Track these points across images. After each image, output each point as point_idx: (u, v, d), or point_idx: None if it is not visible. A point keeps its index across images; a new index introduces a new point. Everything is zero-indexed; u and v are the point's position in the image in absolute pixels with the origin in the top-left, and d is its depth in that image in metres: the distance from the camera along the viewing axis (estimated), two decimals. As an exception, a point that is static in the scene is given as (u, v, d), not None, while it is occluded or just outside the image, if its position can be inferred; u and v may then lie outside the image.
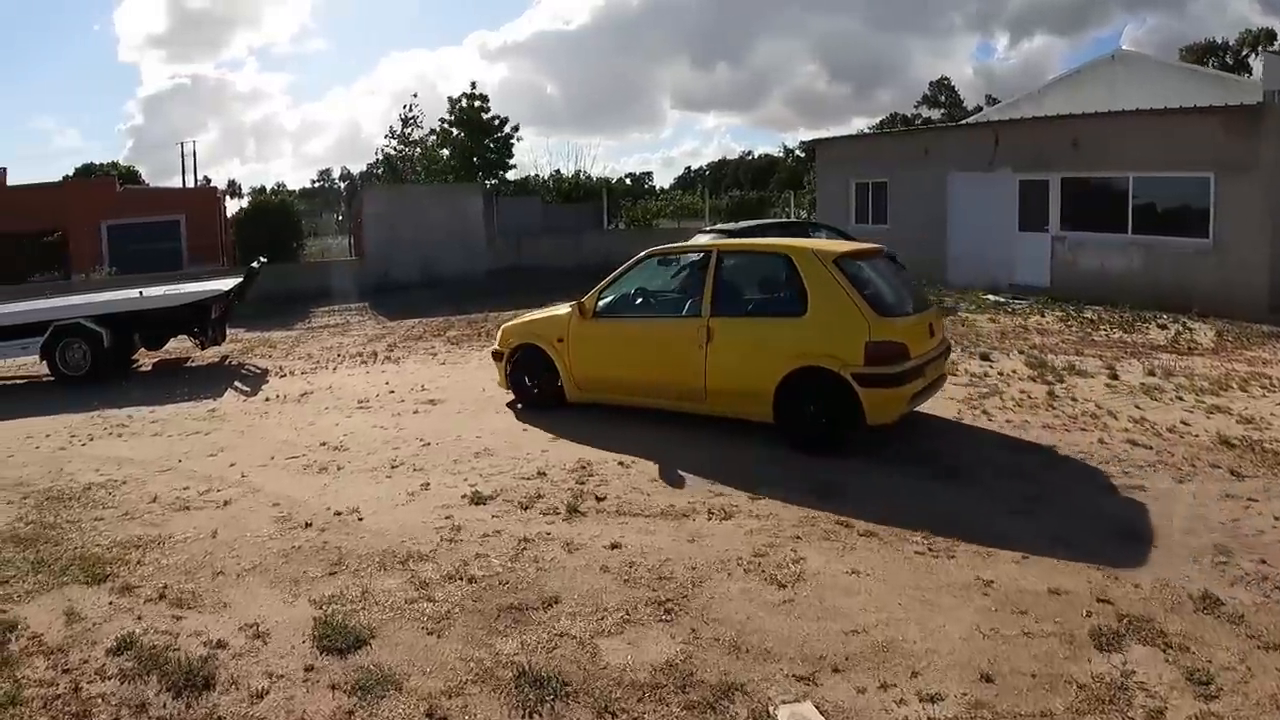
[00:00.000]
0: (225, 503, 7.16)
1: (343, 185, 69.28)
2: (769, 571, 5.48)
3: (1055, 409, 9.18)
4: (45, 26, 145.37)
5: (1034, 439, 8.18)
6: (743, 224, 19.12)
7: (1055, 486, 6.93)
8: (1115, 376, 10.58)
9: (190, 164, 52.50)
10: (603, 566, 5.61)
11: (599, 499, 6.88)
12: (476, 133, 43.09)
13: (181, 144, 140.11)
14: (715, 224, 23.21)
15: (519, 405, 9.85)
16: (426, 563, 5.75)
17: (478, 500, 6.90)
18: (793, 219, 26.76)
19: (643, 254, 9.49)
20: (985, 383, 10.41)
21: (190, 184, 46.76)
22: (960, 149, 21.95)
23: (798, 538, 6.01)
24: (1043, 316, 15.99)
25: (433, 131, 45.27)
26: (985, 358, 11.88)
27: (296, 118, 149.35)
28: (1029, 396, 9.68)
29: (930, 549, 5.77)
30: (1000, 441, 8.14)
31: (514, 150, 45.07)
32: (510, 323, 10.57)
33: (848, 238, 18.16)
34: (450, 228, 25.68)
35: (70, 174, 46.09)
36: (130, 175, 47.07)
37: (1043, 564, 5.52)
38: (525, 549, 5.92)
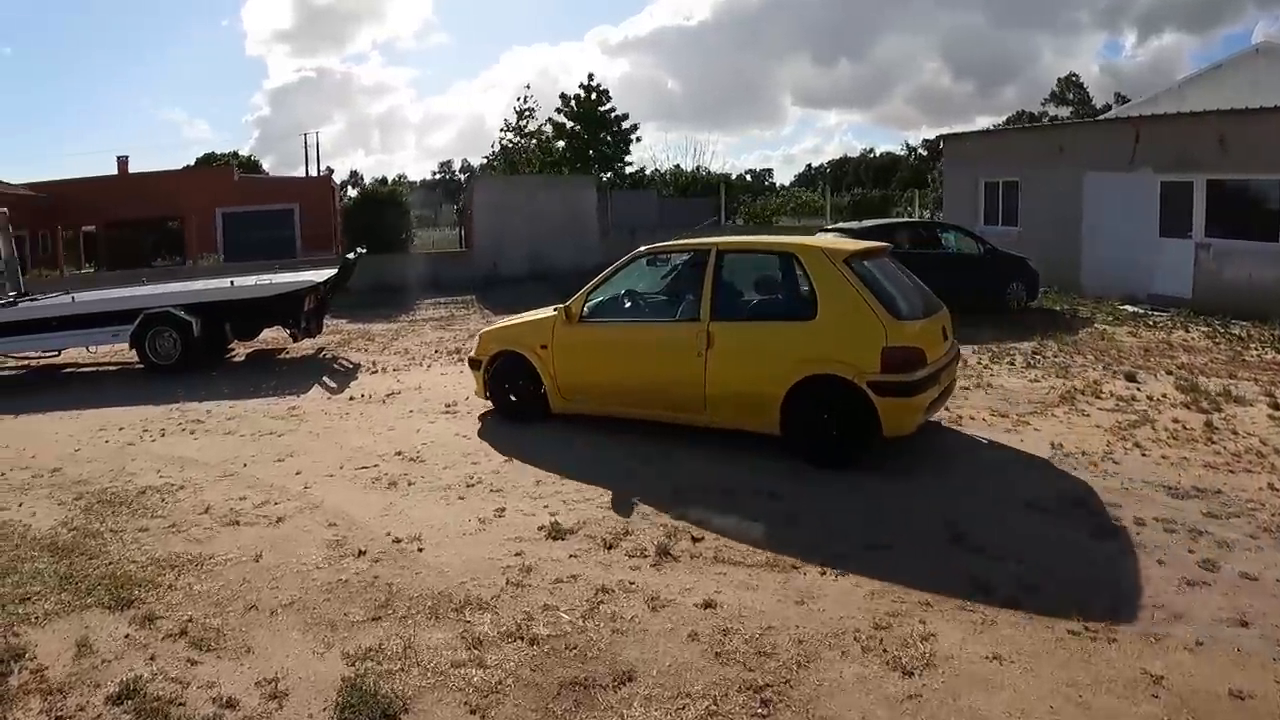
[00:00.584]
0: (279, 519, 6.46)
1: (463, 177, 69.86)
2: (892, 652, 4.44)
3: (1215, 443, 7.86)
4: (175, 21, 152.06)
5: (1196, 482, 6.84)
6: (866, 224, 17.93)
7: (1229, 547, 5.67)
8: (1277, 406, 9.16)
9: (314, 155, 53.39)
10: (691, 633, 4.64)
11: (695, 539, 5.93)
12: (593, 126, 42.69)
13: (305, 135, 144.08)
14: (836, 222, 21.96)
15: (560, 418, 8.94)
16: (485, 613, 4.89)
17: (556, 534, 6.03)
18: (918, 219, 25.31)
19: (634, 253, 8.72)
20: (1133, 408, 9.12)
21: (314, 174, 47.33)
22: (1097, 147, 20.17)
23: (927, 604, 4.94)
24: (1187, 331, 14.39)
25: (549, 120, 45.02)
26: (1131, 378, 10.54)
27: (420, 111, 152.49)
28: (1184, 427, 8.37)
29: (1087, 628, 4.64)
30: (1158, 483, 6.88)
31: (631, 145, 44.67)
32: (489, 328, 9.94)
33: (981, 242, 16.90)
34: (562, 220, 24.91)
35: (192, 163, 47.14)
36: (250, 165, 47.98)
37: (1221, 653, 4.35)
38: (602, 602, 5.00)
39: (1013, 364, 11.55)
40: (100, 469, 7.92)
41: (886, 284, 7.58)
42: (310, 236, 33.51)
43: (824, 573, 5.39)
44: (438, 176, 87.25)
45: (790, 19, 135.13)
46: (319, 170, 48.61)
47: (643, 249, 8.76)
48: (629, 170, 45.66)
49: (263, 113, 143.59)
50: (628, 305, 8.70)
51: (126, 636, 4.76)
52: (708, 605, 4.96)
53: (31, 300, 14.57)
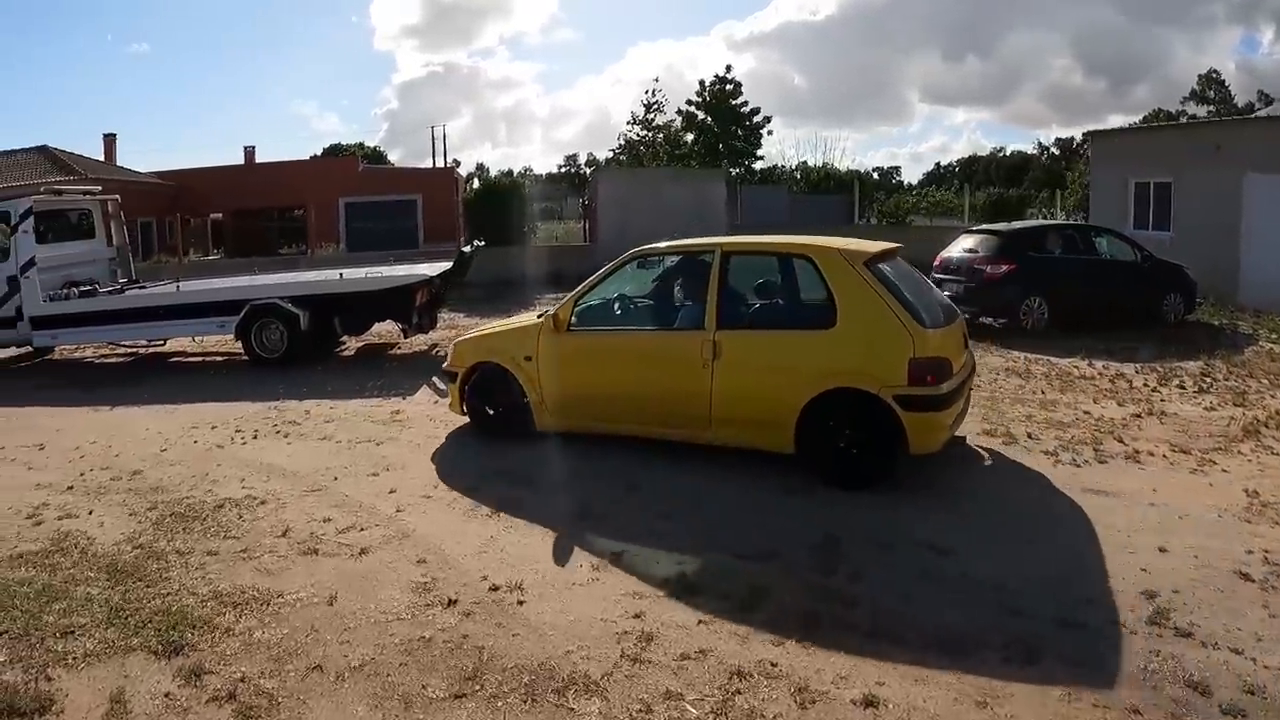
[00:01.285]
0: (362, 550, 5.63)
1: (587, 171, 69.68)
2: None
3: None
4: (305, 18, 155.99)
5: None
6: (1015, 226, 16.36)
7: None
8: None
9: (441, 147, 53.69)
10: (852, 750, 3.60)
11: (850, 603, 4.84)
12: (725, 119, 41.75)
13: (432, 128, 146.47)
14: (975, 224, 20.40)
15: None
16: (592, 698, 3.91)
17: (683, 588, 5.02)
18: (1067, 222, 23.41)
19: (628, 254, 7.97)
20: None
21: (440, 166, 47.40)
22: (1260, 146, 17.99)
23: (1136, 712, 3.80)
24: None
25: (679, 112, 44.15)
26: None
27: (546, 105, 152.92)
28: None
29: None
30: None
31: (762, 140, 43.62)
32: (464, 337, 8.93)
33: (1138, 248, 15.25)
34: (689, 214, 23.59)
35: (319, 154, 47.74)
36: (376, 156, 48.26)
37: None
38: (738, 692, 3.96)
39: (1182, 387, 10.03)
40: (182, 474, 7.32)
41: (907, 288, 6.93)
42: (432, 227, 33.23)
43: (1007, 659, 4.24)
44: (563, 170, 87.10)
45: (917, 14, 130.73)
46: (446, 162, 48.62)
47: (633, 251, 7.96)
48: (759, 165, 44.58)
49: (391, 106, 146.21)
50: (621, 312, 8.02)
51: (167, 695, 4.02)
52: (868, 704, 3.88)
53: (139, 288, 14.32)
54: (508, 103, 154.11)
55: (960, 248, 15.06)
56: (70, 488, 7.11)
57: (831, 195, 36.74)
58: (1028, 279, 13.94)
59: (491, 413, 8.14)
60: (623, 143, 47.58)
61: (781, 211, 32.02)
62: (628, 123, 46.64)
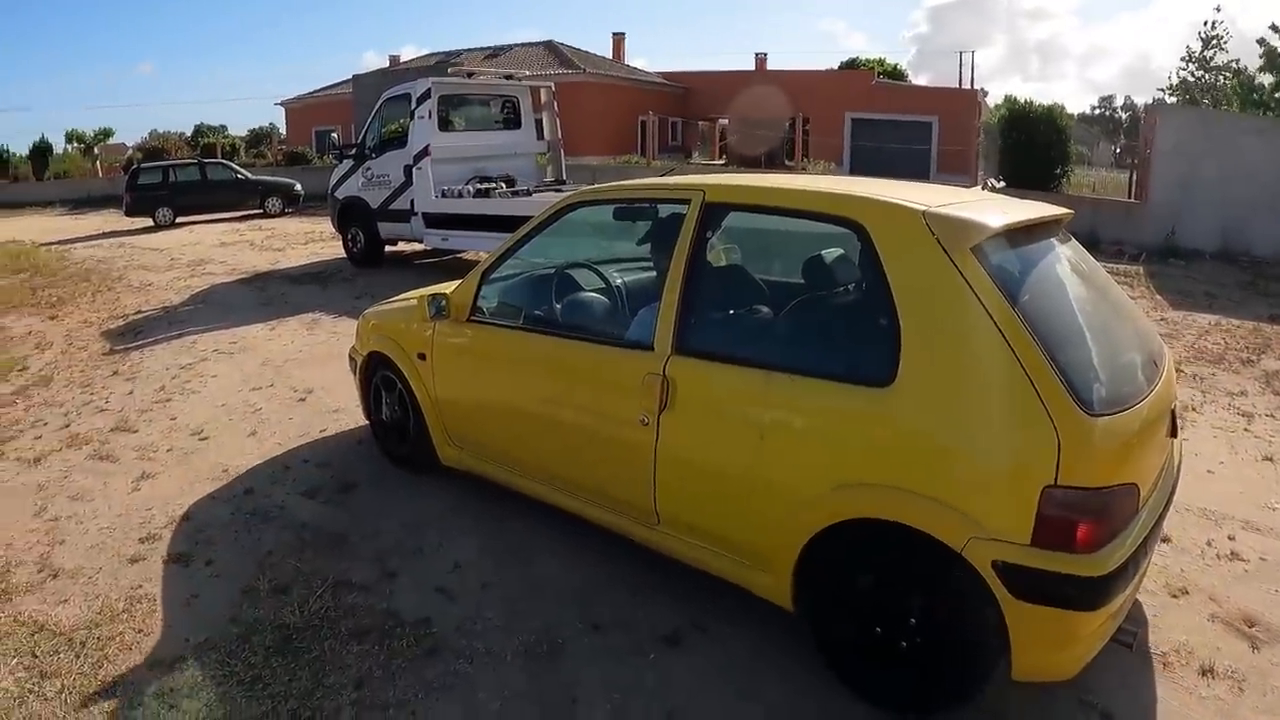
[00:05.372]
0: None
1: (1124, 116, 60.17)
2: None
3: None
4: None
5: None
6: None
7: None
8: None
9: (967, 75, 48.63)
10: None
11: None
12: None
13: (960, 54, 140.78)
14: None
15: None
16: None
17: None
18: None
19: (563, 198, 4.53)
20: None
21: (963, 88, 42.72)
22: None
23: None
24: None
25: (1261, 42, 35.49)
26: None
27: (1082, 40, 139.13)
28: None
29: None
30: None
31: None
32: (374, 307, 5.97)
33: None
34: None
35: (834, 68, 44.86)
36: (895, 74, 44.25)
37: None
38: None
39: None
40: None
41: (1065, 311, 3.31)
42: (947, 154, 29.51)
43: None
44: (1096, 112, 77.17)
45: None
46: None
47: (572, 194, 4.55)
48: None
49: (920, 30, 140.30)
50: (543, 299, 4.72)
51: None
52: None
53: (556, 191, 12.18)
54: (1042, 35, 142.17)
55: None
56: None
57: None
58: None
59: (385, 426, 5.53)
60: (1173, 83, 39.46)
61: None
62: (1182, 60, 38.42)
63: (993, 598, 2.83)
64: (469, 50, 37.90)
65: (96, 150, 41.88)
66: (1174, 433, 3.59)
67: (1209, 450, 5.77)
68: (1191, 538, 4.54)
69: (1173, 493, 3.53)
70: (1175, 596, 3.98)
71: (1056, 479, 2.71)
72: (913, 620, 3.08)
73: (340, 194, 13.72)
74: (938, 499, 2.90)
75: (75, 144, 42.61)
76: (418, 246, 13.32)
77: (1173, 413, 3.52)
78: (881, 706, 3.21)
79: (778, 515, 3.31)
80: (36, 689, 3.35)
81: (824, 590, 3.31)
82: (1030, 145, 19.76)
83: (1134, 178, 21.10)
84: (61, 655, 3.57)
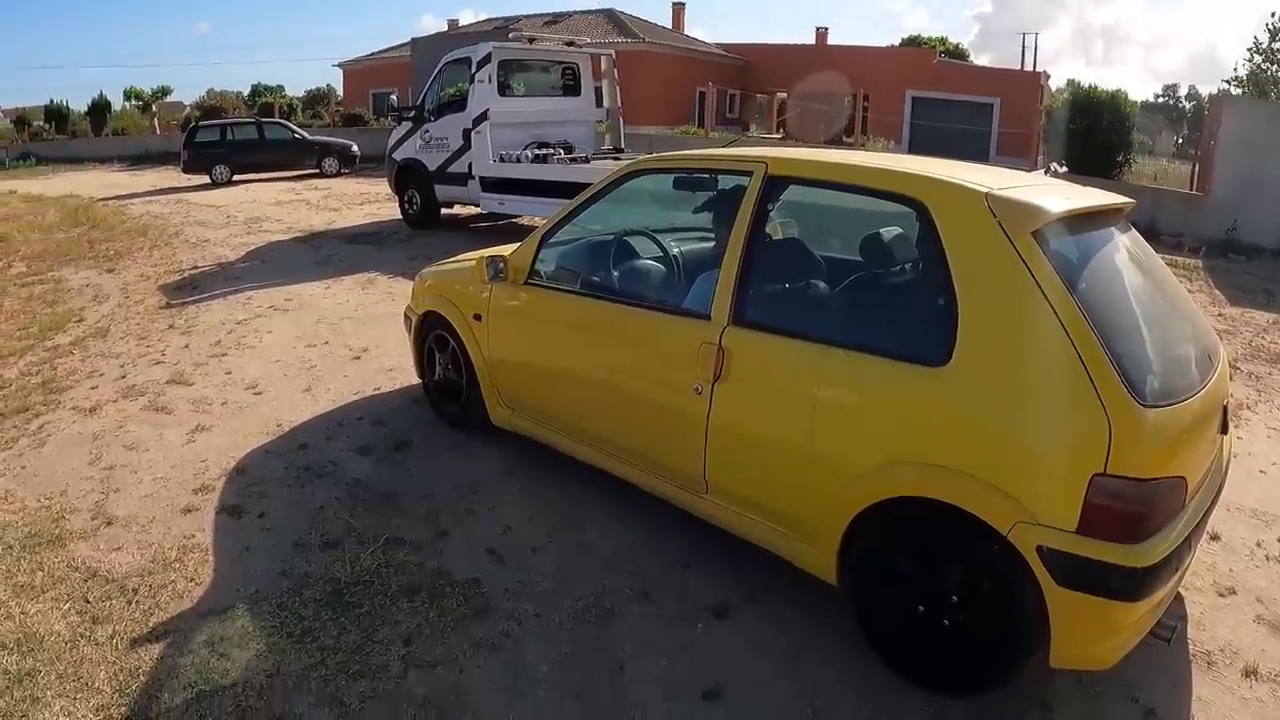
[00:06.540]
0: None
1: (1188, 106, 58.50)
2: None
3: None
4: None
5: None
6: None
7: None
8: None
9: (1030, 57, 47.68)
10: None
11: None
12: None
13: (1024, 35, 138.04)
14: None
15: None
16: None
17: None
18: None
19: (626, 165, 4.58)
20: None
21: (1026, 70, 41.93)
22: None
23: None
24: None
25: None
26: None
27: (1148, 27, 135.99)
28: None
29: None
30: None
31: None
32: (432, 267, 6.01)
33: None
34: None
35: (895, 44, 44.30)
36: (957, 53, 43.56)
37: None
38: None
39: None
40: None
41: (1122, 301, 3.25)
42: (1007, 137, 28.97)
43: None
44: (1160, 100, 75.17)
45: None
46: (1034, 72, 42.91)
47: (634, 161, 4.61)
48: None
49: (984, 9, 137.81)
50: (601, 265, 4.70)
51: None
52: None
53: (614, 159, 12.01)
54: (1107, 19, 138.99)
55: None
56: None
57: None
58: None
59: (438, 387, 5.55)
60: (1240, 75, 38.33)
61: None
62: (1249, 50, 37.27)
63: (1035, 583, 2.83)
64: (528, 16, 37.94)
65: (154, 108, 42.43)
66: (1225, 429, 3.56)
67: (1262, 450, 5.57)
68: (1241, 538, 4.40)
69: (1220, 489, 3.51)
70: (1223, 595, 3.89)
71: (1106, 468, 2.70)
72: (954, 599, 3.08)
73: (398, 156, 13.76)
74: (986, 481, 2.90)
75: (133, 101, 43.21)
76: (473, 210, 13.29)
77: (1225, 409, 3.50)
78: (921, 686, 3.22)
79: (826, 489, 3.32)
80: (88, 633, 3.37)
81: (868, 566, 3.32)
82: (1093, 131, 19.35)
83: (1196, 169, 20.52)
84: (113, 601, 3.59)
